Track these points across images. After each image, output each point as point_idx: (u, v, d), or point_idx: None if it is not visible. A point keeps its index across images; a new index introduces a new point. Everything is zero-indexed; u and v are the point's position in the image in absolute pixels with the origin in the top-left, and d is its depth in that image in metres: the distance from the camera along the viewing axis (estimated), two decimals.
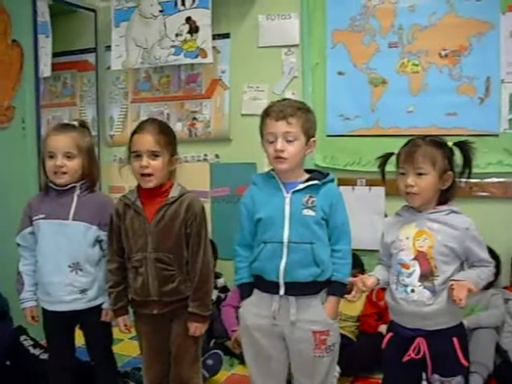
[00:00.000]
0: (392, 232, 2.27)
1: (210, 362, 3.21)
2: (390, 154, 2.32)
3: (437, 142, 2.20)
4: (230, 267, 3.75)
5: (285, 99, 2.37)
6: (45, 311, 2.62)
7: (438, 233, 2.15)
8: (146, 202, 2.44)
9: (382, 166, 2.34)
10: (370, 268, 3.51)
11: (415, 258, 2.15)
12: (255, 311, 2.30)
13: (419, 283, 2.13)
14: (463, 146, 2.20)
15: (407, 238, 2.19)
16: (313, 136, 2.28)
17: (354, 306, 3.40)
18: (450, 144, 2.21)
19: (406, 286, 2.16)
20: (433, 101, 3.41)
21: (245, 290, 2.36)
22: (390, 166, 2.37)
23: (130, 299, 2.52)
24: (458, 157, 2.22)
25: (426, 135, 2.28)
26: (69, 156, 2.54)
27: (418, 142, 2.20)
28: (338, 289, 2.27)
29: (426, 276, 2.13)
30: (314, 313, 2.23)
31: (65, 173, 2.53)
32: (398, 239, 2.22)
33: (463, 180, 2.23)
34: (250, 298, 2.34)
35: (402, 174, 2.20)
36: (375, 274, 2.30)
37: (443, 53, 3.38)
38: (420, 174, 2.15)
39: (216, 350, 3.32)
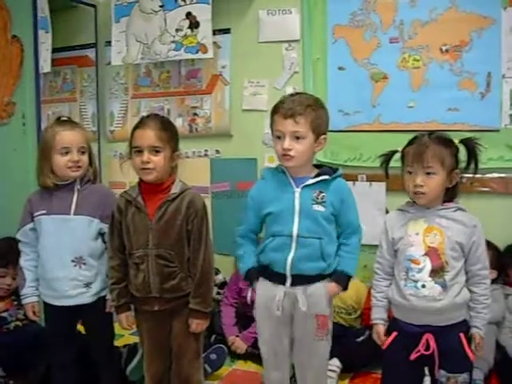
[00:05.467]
0: (398, 228, 2.27)
1: (213, 356, 3.21)
2: (394, 152, 2.32)
3: (444, 140, 2.20)
4: (228, 263, 3.78)
5: (297, 94, 2.36)
6: (48, 307, 2.63)
7: (448, 229, 2.16)
8: (147, 199, 2.44)
9: (385, 163, 2.35)
10: (370, 263, 3.52)
11: (426, 254, 2.16)
12: (264, 300, 2.34)
13: (430, 278, 2.15)
14: (469, 144, 2.21)
15: (417, 234, 2.20)
16: (323, 133, 2.29)
17: (343, 296, 3.32)
18: (456, 141, 2.21)
19: (416, 281, 2.16)
20: (434, 96, 3.40)
21: (252, 275, 2.38)
22: (391, 162, 2.37)
23: (131, 295, 2.51)
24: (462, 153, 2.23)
25: (431, 132, 2.27)
26: (82, 151, 2.58)
27: (426, 141, 2.19)
28: (341, 278, 2.30)
29: (437, 271, 2.14)
30: (317, 297, 2.26)
31: (79, 167, 2.56)
32: (406, 235, 2.22)
33: (468, 175, 2.24)
34: (258, 286, 2.36)
35: (410, 172, 2.21)
36: (380, 316, 2.33)
37: (444, 48, 3.36)
38: (429, 174, 2.16)
39: (220, 345, 3.31)
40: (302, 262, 2.24)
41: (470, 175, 2.25)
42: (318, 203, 2.25)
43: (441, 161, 2.15)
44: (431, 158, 2.15)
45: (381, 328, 2.33)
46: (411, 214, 2.26)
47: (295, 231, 2.23)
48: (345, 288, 2.33)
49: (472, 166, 2.21)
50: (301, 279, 2.26)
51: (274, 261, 2.28)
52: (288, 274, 2.26)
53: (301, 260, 2.23)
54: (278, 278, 2.29)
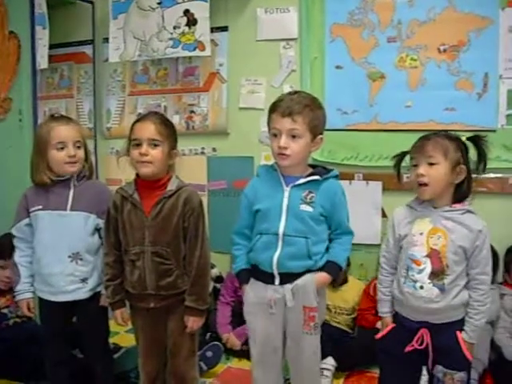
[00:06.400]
0: (404, 225, 2.26)
1: (209, 353, 3.22)
2: (406, 153, 2.30)
3: (449, 135, 2.19)
4: (225, 260, 3.78)
5: (296, 92, 2.34)
6: (43, 302, 2.63)
7: (452, 232, 2.14)
8: (143, 195, 2.43)
9: (398, 164, 2.33)
10: (366, 262, 3.55)
11: (427, 256, 2.15)
12: (255, 301, 2.33)
13: (429, 280, 2.14)
14: (477, 141, 2.19)
15: (421, 234, 2.19)
16: (320, 133, 2.28)
17: (346, 297, 3.43)
18: (463, 139, 2.19)
19: (415, 281, 2.17)
20: (431, 96, 3.41)
21: (243, 277, 2.39)
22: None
23: (126, 292, 2.51)
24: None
25: (439, 131, 2.27)
26: (78, 146, 2.57)
27: (430, 135, 2.19)
28: (330, 267, 2.29)
29: (437, 274, 2.13)
30: (304, 287, 2.25)
31: (76, 161, 2.56)
32: (410, 233, 2.21)
33: (479, 175, 2.21)
34: (248, 288, 2.36)
35: (415, 165, 2.20)
36: (388, 310, 2.35)
37: (442, 48, 3.37)
38: (431, 164, 2.14)
39: (216, 342, 3.33)
40: (287, 261, 2.23)
41: (481, 174, 2.21)
42: (305, 203, 2.24)
43: (443, 151, 2.13)
44: (433, 147, 2.14)
45: (390, 320, 2.34)
46: (418, 212, 2.24)
47: (281, 230, 2.23)
48: (334, 279, 2.32)
49: (481, 164, 2.18)
50: (289, 277, 2.26)
51: (261, 260, 2.29)
52: (275, 272, 2.25)
53: (286, 258, 2.23)
54: (267, 278, 2.29)
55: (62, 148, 2.53)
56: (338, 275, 2.33)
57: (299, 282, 2.25)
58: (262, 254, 2.27)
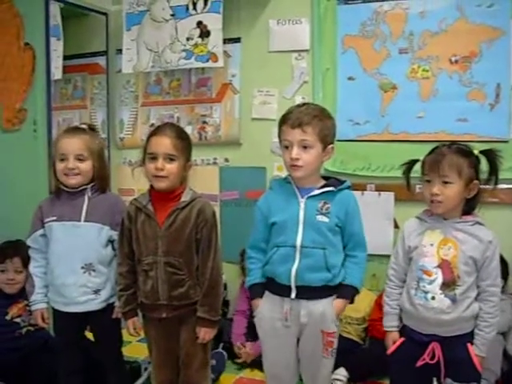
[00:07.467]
0: (415, 236, 2.26)
1: (212, 362, 3.19)
2: (415, 161, 2.31)
3: (463, 151, 2.19)
4: (236, 271, 3.79)
5: (304, 104, 2.37)
6: (57, 313, 2.65)
7: (463, 243, 2.15)
8: (157, 206, 2.45)
9: (407, 172, 2.34)
10: (379, 272, 3.54)
11: (438, 266, 2.16)
12: (270, 316, 2.33)
13: (440, 291, 2.15)
14: (490, 154, 2.20)
15: (431, 245, 2.19)
16: (331, 143, 2.30)
17: (357, 307, 3.40)
18: (476, 152, 2.19)
19: (426, 292, 2.17)
20: (443, 106, 3.40)
21: (256, 291, 2.40)
22: (400, 172, 2.37)
23: (139, 302, 2.52)
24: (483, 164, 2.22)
25: (453, 142, 2.27)
26: (80, 158, 2.57)
27: (444, 151, 2.19)
28: (347, 292, 2.31)
29: (448, 285, 2.14)
30: (323, 314, 2.26)
31: (77, 174, 2.56)
32: (421, 245, 2.22)
33: (490, 187, 2.21)
34: (263, 302, 2.36)
35: (428, 181, 2.20)
36: (394, 324, 2.34)
37: (453, 59, 3.37)
38: (445, 183, 2.14)
39: (219, 350, 3.34)
40: (306, 273, 2.24)
41: (491, 187, 2.21)
42: (322, 214, 2.25)
43: (457, 170, 2.14)
44: (448, 167, 2.14)
45: (396, 335, 2.33)
46: (429, 224, 2.25)
47: (299, 242, 2.24)
48: (351, 302, 2.33)
49: (493, 177, 2.19)
50: (306, 291, 2.26)
51: (279, 272, 2.29)
52: (293, 285, 2.26)
53: (305, 270, 2.24)
54: (283, 290, 2.29)
55: (64, 159, 2.56)
56: (354, 297, 2.33)
57: (319, 305, 2.26)
58: (279, 267, 2.28)
